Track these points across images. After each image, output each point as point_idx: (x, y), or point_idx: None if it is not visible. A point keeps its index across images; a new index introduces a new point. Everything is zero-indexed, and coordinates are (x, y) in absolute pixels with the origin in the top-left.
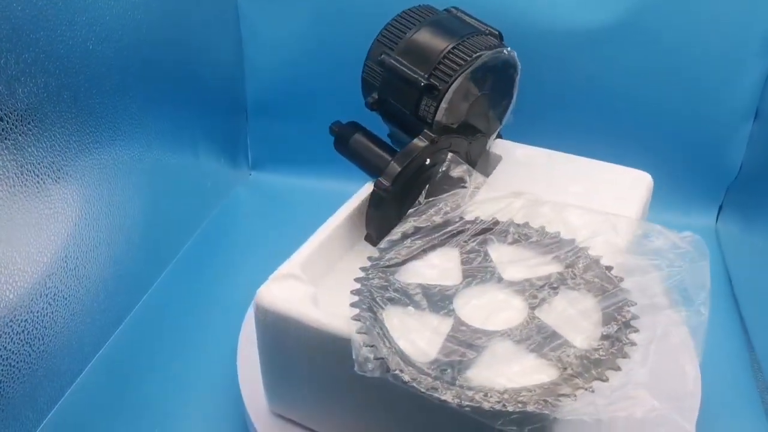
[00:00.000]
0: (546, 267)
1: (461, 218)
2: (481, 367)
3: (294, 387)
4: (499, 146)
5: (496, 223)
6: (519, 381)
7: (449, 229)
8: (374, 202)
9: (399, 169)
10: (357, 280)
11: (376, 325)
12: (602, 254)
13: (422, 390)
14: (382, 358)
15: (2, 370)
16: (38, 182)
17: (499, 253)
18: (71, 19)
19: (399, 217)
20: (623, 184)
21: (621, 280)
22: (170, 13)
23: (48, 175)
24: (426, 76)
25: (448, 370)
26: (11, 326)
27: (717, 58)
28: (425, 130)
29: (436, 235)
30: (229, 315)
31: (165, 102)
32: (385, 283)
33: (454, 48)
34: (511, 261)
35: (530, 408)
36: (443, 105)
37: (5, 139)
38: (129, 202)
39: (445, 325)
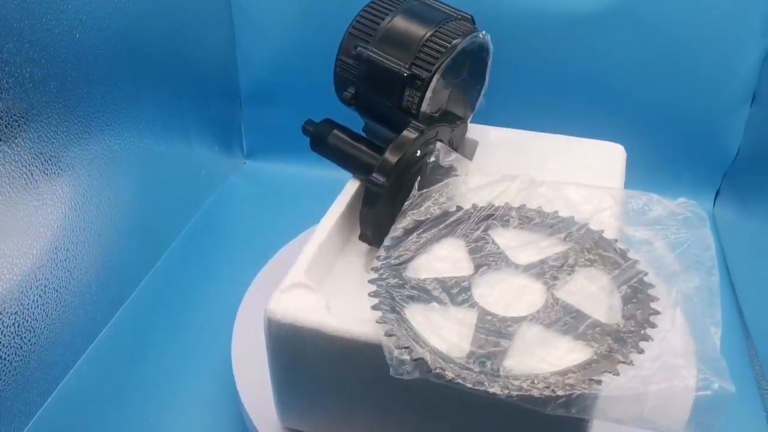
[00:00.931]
0: (556, 247)
1: (459, 207)
2: (518, 354)
3: (313, 400)
4: (471, 131)
5: (497, 208)
6: (560, 364)
7: (452, 219)
8: (369, 199)
9: (393, 163)
10: (371, 281)
11: (403, 326)
12: (607, 228)
13: (469, 386)
14: (420, 359)
15: None
16: (26, 173)
17: (505, 238)
18: (57, 7)
19: (392, 212)
20: (599, 157)
21: (628, 251)
22: (160, 0)
23: (36, 167)
24: (407, 66)
25: (487, 362)
26: (1, 319)
27: (714, 42)
28: (413, 122)
29: (441, 226)
30: (224, 304)
31: (156, 91)
32: (401, 282)
33: (432, 35)
34: (520, 245)
35: (579, 390)
36: (428, 94)
37: None
38: (121, 192)
39: (470, 317)
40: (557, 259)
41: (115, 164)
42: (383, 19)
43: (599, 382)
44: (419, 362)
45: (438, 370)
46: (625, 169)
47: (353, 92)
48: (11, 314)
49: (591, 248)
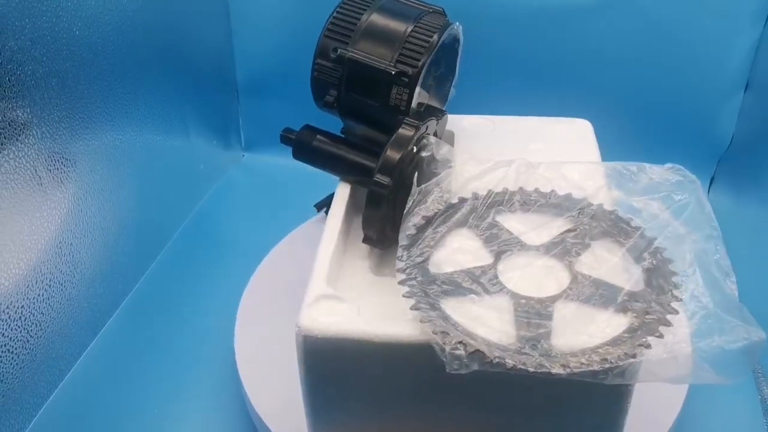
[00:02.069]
0: (567, 225)
1: (462, 198)
2: (563, 332)
3: (354, 412)
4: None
5: (499, 194)
6: (605, 335)
7: (460, 210)
8: (374, 200)
9: (396, 162)
10: (402, 282)
11: (448, 321)
12: (610, 201)
13: (531, 369)
14: (477, 351)
15: (2, 356)
16: (31, 170)
17: (514, 222)
18: (57, 4)
19: (393, 211)
20: (570, 133)
21: (632, 220)
22: None
23: (40, 163)
24: (393, 63)
25: (539, 344)
26: (8, 312)
27: (707, 30)
28: (407, 118)
29: (452, 219)
30: (226, 295)
31: (155, 85)
32: (431, 278)
33: (413, 31)
34: (532, 227)
35: (632, 357)
36: (417, 90)
37: None
38: (122, 186)
39: (505, 303)
40: (575, 237)
41: (117, 159)
42: (359, 19)
43: (648, 345)
44: (476, 354)
45: (497, 360)
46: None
47: (335, 95)
48: (18, 308)
49: (602, 222)
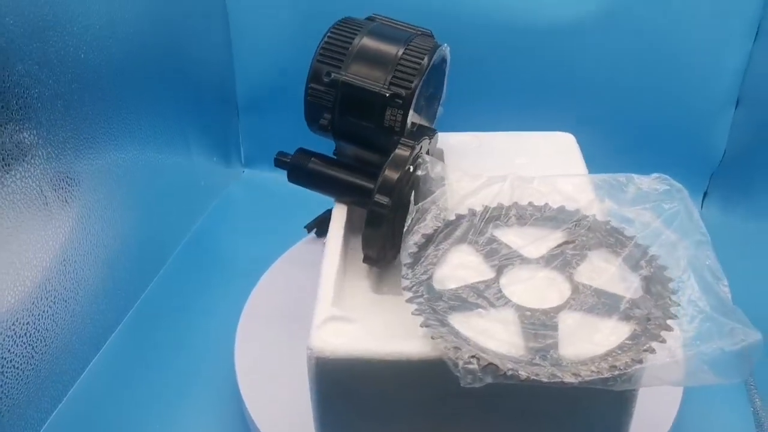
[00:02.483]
0: (564, 238)
1: (459, 215)
2: (570, 342)
3: (366, 431)
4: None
5: (494, 209)
6: (609, 343)
7: (459, 227)
8: (374, 220)
9: (395, 182)
10: (409, 300)
11: (458, 336)
12: (602, 212)
13: (544, 380)
14: (490, 364)
15: (7, 372)
16: (37, 190)
17: (511, 236)
18: (63, 29)
19: (392, 230)
20: (555, 147)
21: (625, 230)
22: (159, 17)
23: (45, 182)
24: (386, 85)
25: (548, 355)
26: (14, 329)
27: (698, 47)
28: (403, 139)
29: (453, 236)
30: (226, 311)
31: (157, 104)
32: (437, 295)
33: (404, 54)
34: (530, 241)
35: (638, 363)
36: (411, 111)
37: (2, 148)
38: (125, 204)
39: (510, 316)
40: (573, 248)
41: (120, 177)
42: (350, 43)
43: (653, 350)
44: (489, 368)
45: (511, 372)
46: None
47: (329, 118)
48: (23, 324)
49: (597, 233)
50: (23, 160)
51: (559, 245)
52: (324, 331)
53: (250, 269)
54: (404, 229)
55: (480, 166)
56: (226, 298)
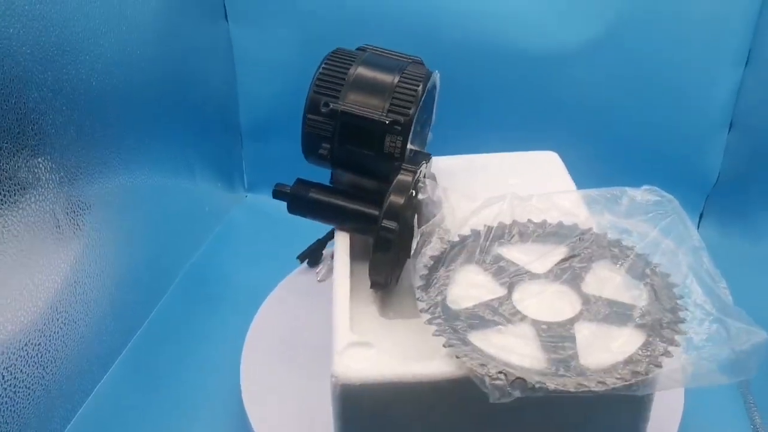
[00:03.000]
0: (568, 251)
1: (462, 236)
2: (588, 351)
3: None
4: None
5: (496, 228)
6: (626, 351)
7: (465, 248)
8: (382, 246)
9: (401, 207)
10: (428, 321)
11: (482, 353)
12: (603, 226)
13: (572, 390)
14: (518, 379)
15: (19, 392)
16: (49, 213)
17: (516, 254)
18: (76, 58)
19: (397, 255)
20: (542, 166)
21: (623, 241)
22: (165, 47)
23: (58, 206)
24: (385, 114)
25: (571, 365)
26: (26, 350)
27: (690, 73)
28: (404, 164)
29: (461, 257)
30: (231, 334)
31: (164, 131)
32: (454, 315)
33: (400, 81)
34: (535, 258)
35: (663, 367)
36: (410, 137)
37: (17, 173)
38: (133, 228)
39: (527, 330)
40: (579, 261)
41: (128, 202)
42: (346, 73)
43: (670, 354)
44: (517, 382)
45: (539, 384)
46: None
47: (328, 148)
48: (35, 345)
49: (599, 245)
50: (37, 185)
51: (565, 259)
52: (347, 357)
53: (254, 292)
54: (412, 253)
55: (472, 187)
56: (231, 321)
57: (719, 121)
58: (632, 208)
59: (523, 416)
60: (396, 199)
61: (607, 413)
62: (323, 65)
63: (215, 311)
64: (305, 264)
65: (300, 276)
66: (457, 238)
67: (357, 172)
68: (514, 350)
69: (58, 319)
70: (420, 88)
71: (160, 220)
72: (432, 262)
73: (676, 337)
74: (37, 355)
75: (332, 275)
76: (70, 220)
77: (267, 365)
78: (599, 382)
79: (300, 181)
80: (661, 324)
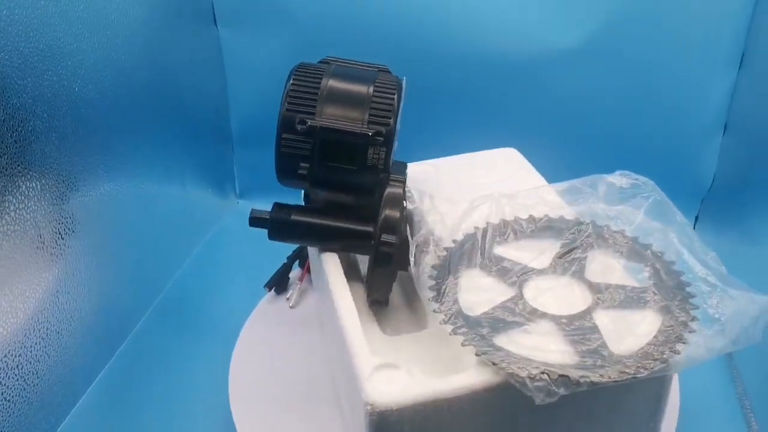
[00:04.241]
0: (567, 244)
1: (456, 241)
2: (614, 339)
3: None
4: None
5: (489, 230)
6: (651, 332)
7: (466, 252)
8: (383, 261)
9: (398, 219)
10: (453, 332)
11: (516, 356)
12: (589, 215)
13: (616, 378)
14: (562, 376)
15: (0, 404)
16: (31, 221)
17: (516, 251)
18: (57, 64)
19: (396, 270)
20: (507, 162)
21: (617, 226)
22: (153, 52)
23: (40, 213)
24: (366, 125)
25: (605, 354)
26: (5, 361)
27: (684, 75)
28: (392, 176)
29: (464, 262)
30: (220, 343)
31: (152, 136)
32: (474, 322)
33: (375, 91)
34: (535, 254)
35: (689, 343)
36: (393, 147)
37: None
38: (119, 236)
39: (548, 326)
40: (581, 252)
41: (114, 209)
42: (318, 88)
43: (692, 330)
44: (561, 380)
45: (584, 379)
46: None
47: (307, 167)
48: (15, 356)
49: (595, 235)
50: (17, 193)
51: (566, 252)
52: (377, 382)
53: (246, 300)
54: (412, 265)
55: (446, 191)
56: (220, 329)
57: (714, 124)
58: (611, 194)
59: (558, 411)
60: (392, 212)
61: (636, 394)
62: (292, 81)
63: (206, 321)
64: (272, 293)
65: (270, 305)
66: (453, 245)
67: (337, 189)
68: (542, 348)
69: (39, 330)
70: (396, 97)
71: (148, 228)
72: (435, 272)
73: (692, 312)
74: (17, 366)
75: (311, 297)
76: (52, 229)
77: (257, 370)
78: (639, 368)
79: (278, 205)
80: (675, 302)
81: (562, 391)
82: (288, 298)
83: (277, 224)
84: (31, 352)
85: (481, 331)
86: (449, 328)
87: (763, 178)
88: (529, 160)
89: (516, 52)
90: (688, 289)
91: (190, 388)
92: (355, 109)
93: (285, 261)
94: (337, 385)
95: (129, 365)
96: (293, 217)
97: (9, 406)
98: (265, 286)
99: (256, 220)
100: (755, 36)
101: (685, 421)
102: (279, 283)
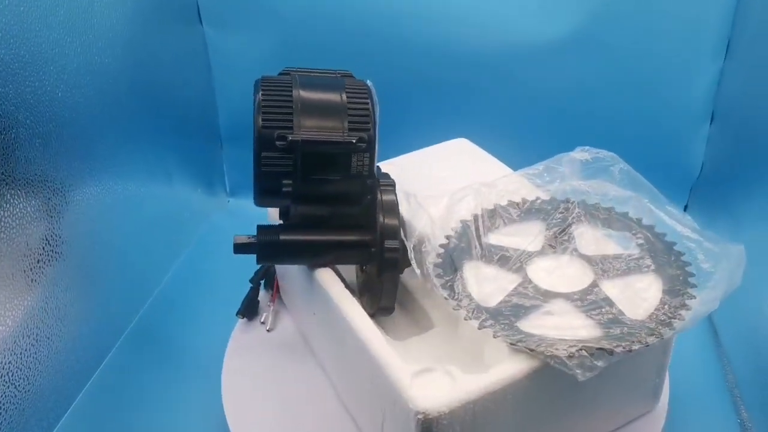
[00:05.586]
0: (556, 223)
1: (448, 237)
2: (628, 306)
3: None
4: None
5: (477, 221)
6: (657, 296)
7: (461, 246)
8: (390, 267)
9: (397, 225)
10: (481, 327)
11: (548, 338)
12: (565, 193)
13: (650, 342)
14: (600, 349)
15: None
16: (17, 227)
17: (509, 237)
18: (40, 69)
19: (398, 274)
20: (462, 153)
21: (593, 199)
22: (137, 53)
23: (25, 218)
24: (347, 133)
25: (626, 321)
26: None
27: (671, 65)
28: (382, 181)
29: (463, 257)
30: (212, 344)
31: (138, 137)
32: (496, 312)
33: (349, 98)
34: (526, 238)
35: (695, 299)
36: (376, 151)
37: None
38: (107, 238)
39: (563, 304)
40: (571, 230)
41: (102, 211)
42: (291, 100)
43: (694, 285)
44: (599, 353)
45: (620, 348)
46: None
47: (291, 183)
48: (5, 363)
49: (582, 211)
50: (2, 200)
51: (558, 231)
52: (420, 388)
53: (236, 298)
54: (415, 268)
55: (419, 188)
56: (212, 329)
57: (700, 113)
58: (580, 170)
59: (586, 381)
60: (390, 220)
61: (649, 353)
62: (261, 96)
63: (197, 321)
64: (243, 321)
65: (244, 333)
66: (446, 240)
67: (323, 202)
68: (565, 326)
69: (29, 336)
70: (369, 101)
71: (137, 228)
72: (440, 270)
73: (688, 269)
74: (7, 374)
75: (287, 318)
76: (38, 234)
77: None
78: (663, 328)
79: (263, 228)
80: (670, 263)
81: (601, 363)
82: (263, 322)
83: (266, 247)
84: (21, 358)
85: (505, 320)
86: (475, 323)
87: (751, 166)
88: (517, 155)
89: (496, 45)
90: (676, 247)
91: (184, 392)
92: (333, 119)
93: (250, 285)
94: (352, 404)
95: (121, 369)
96: (282, 238)
97: (0, 414)
98: (238, 314)
99: (241, 247)
100: (741, 24)
101: (676, 409)
102: (249, 308)
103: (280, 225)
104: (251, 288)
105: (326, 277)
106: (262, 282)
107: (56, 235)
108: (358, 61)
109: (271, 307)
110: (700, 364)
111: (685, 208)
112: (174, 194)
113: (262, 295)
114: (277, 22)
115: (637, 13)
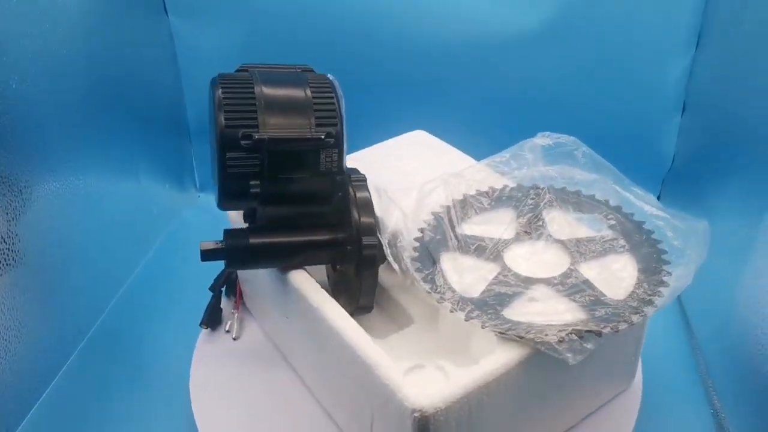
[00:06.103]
0: (530, 209)
1: (422, 230)
2: (607, 287)
3: None
4: None
5: (450, 212)
6: (634, 277)
7: (436, 238)
8: (369, 265)
9: (373, 222)
10: (468, 318)
11: (536, 325)
12: (533, 179)
13: (635, 321)
14: (590, 331)
15: None
16: None
17: (482, 226)
18: None
19: (376, 271)
20: (424, 145)
21: (562, 186)
22: (98, 43)
23: None
24: (314, 129)
25: (609, 303)
26: None
27: (642, 56)
28: (353, 177)
29: (440, 249)
30: (181, 340)
31: (101, 132)
32: (481, 302)
33: (314, 94)
34: (499, 225)
35: (673, 275)
36: (345, 147)
37: None
38: (68, 236)
39: (545, 289)
40: (546, 215)
41: (63, 208)
42: (253, 97)
43: (668, 262)
44: (588, 335)
45: (608, 329)
46: None
47: (258, 183)
48: None
49: (555, 197)
50: None
51: (530, 218)
52: (413, 386)
53: (206, 294)
54: (391, 262)
55: (385, 182)
56: (181, 325)
57: (672, 104)
58: (539, 156)
59: (573, 365)
60: (366, 215)
61: (629, 333)
62: (222, 94)
63: (166, 319)
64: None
65: (207, 344)
66: (420, 234)
67: (292, 201)
68: (550, 311)
69: None
70: (334, 96)
71: (101, 226)
72: (419, 264)
73: (659, 246)
74: None
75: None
76: None
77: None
78: (648, 306)
79: (231, 232)
80: (642, 242)
81: (590, 346)
82: (228, 330)
83: (235, 252)
84: None
85: (490, 309)
86: (461, 314)
87: (722, 157)
88: (476, 146)
89: (465, 37)
90: (645, 226)
91: (150, 392)
92: (299, 115)
93: (211, 293)
94: (334, 407)
95: (85, 370)
96: (252, 241)
97: None
98: (201, 324)
99: (208, 254)
100: (712, 16)
101: (649, 400)
102: (212, 317)
103: (248, 228)
104: (213, 296)
105: (300, 279)
106: (223, 289)
107: (13, 234)
108: (326, 51)
109: (236, 315)
110: (672, 352)
111: (658, 199)
112: (141, 190)
113: (225, 302)
114: (245, 13)
115: (607, 3)
